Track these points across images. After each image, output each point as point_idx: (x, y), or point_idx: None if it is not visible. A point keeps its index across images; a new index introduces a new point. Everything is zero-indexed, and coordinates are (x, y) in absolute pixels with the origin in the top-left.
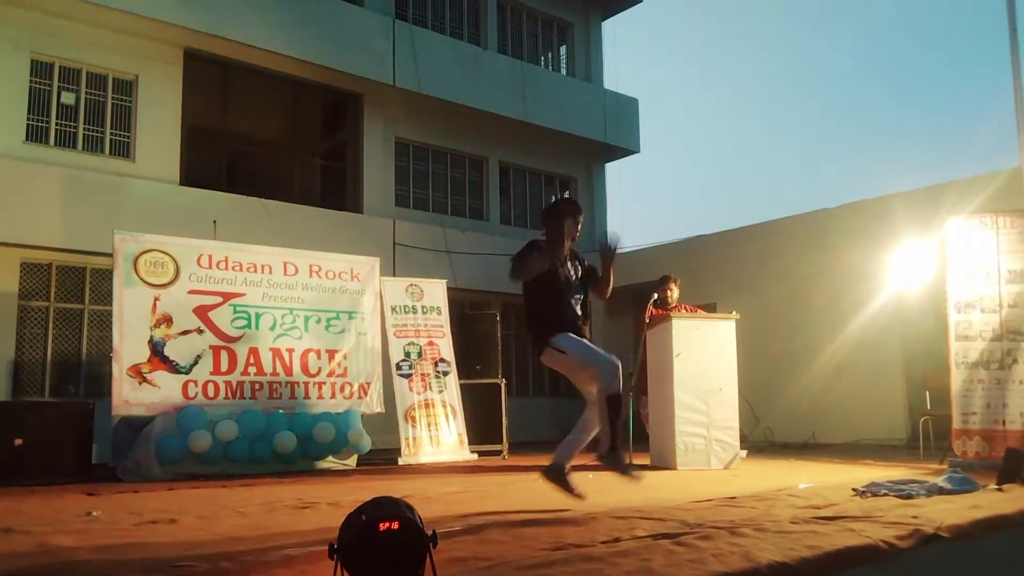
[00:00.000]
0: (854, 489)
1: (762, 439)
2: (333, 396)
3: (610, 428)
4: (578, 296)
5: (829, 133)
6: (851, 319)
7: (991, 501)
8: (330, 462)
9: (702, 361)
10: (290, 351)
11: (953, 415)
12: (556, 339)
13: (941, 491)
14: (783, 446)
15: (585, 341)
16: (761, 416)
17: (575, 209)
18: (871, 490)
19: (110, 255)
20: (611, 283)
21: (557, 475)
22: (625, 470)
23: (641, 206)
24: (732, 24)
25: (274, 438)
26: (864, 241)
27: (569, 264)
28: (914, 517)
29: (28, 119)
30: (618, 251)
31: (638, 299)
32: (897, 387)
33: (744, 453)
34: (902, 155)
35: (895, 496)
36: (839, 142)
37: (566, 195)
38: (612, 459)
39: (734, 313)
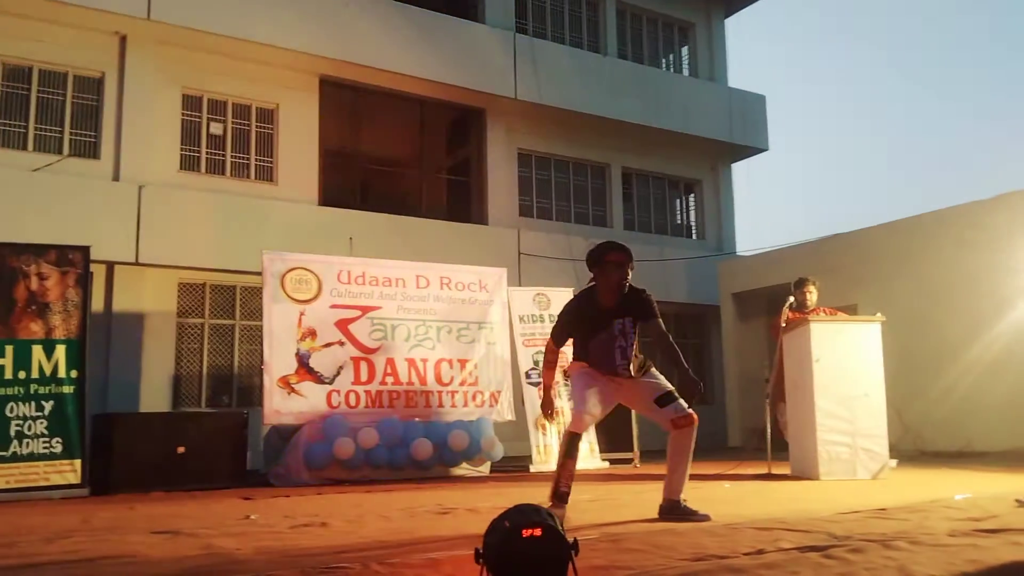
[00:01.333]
0: (1018, 500)
1: (911, 447)
2: (465, 404)
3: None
4: (623, 345)
5: (978, 121)
6: (1002, 317)
7: None
8: (464, 469)
9: (844, 366)
10: (424, 361)
11: None
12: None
13: None
14: (934, 455)
15: (585, 393)
16: (910, 424)
17: (622, 259)
18: None
19: (258, 273)
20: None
21: (675, 512)
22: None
23: (772, 205)
24: (865, 8)
25: (412, 445)
26: (1019, 234)
27: (617, 323)
28: None
29: (181, 149)
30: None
31: (769, 303)
32: None
33: (894, 462)
34: None
35: None
36: (988, 130)
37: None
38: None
39: (879, 315)
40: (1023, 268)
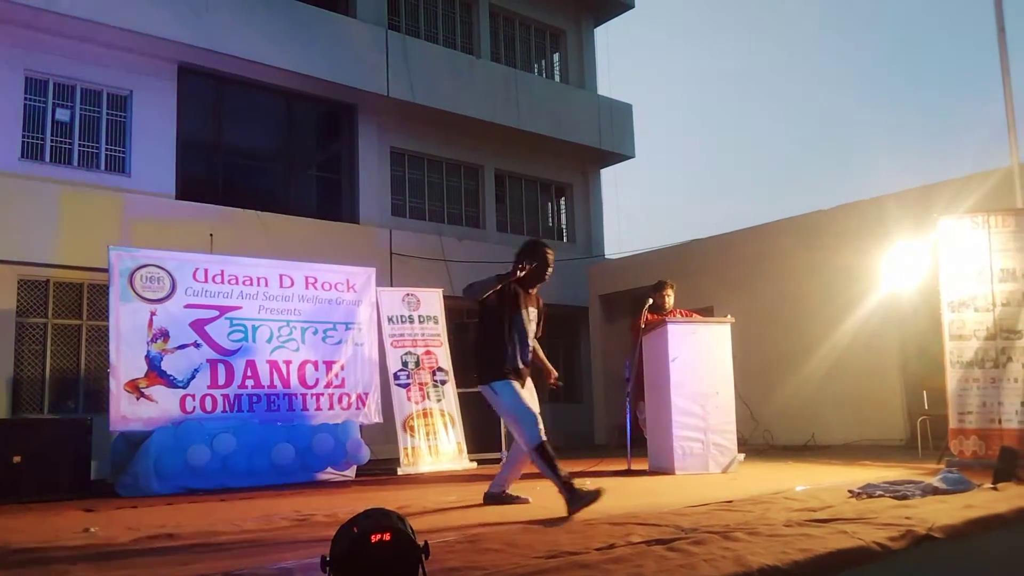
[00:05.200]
0: (850, 491)
1: (761, 442)
2: (331, 407)
3: (550, 477)
4: (528, 343)
5: (822, 136)
6: (844, 319)
7: (985, 500)
8: (329, 473)
9: (698, 365)
10: (287, 363)
11: (949, 415)
12: (496, 384)
13: (936, 491)
14: (783, 448)
15: (520, 394)
16: (760, 418)
17: (547, 260)
18: (867, 491)
19: (107, 270)
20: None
21: (498, 499)
22: (583, 502)
23: (637, 210)
24: (724, 28)
25: (272, 450)
26: (858, 242)
27: (531, 310)
28: (907, 518)
29: (23, 136)
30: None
31: (634, 305)
32: (895, 387)
33: (742, 457)
34: (896, 156)
35: (890, 497)
36: (833, 145)
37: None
38: (574, 502)
39: (729, 317)
40: (863, 274)
